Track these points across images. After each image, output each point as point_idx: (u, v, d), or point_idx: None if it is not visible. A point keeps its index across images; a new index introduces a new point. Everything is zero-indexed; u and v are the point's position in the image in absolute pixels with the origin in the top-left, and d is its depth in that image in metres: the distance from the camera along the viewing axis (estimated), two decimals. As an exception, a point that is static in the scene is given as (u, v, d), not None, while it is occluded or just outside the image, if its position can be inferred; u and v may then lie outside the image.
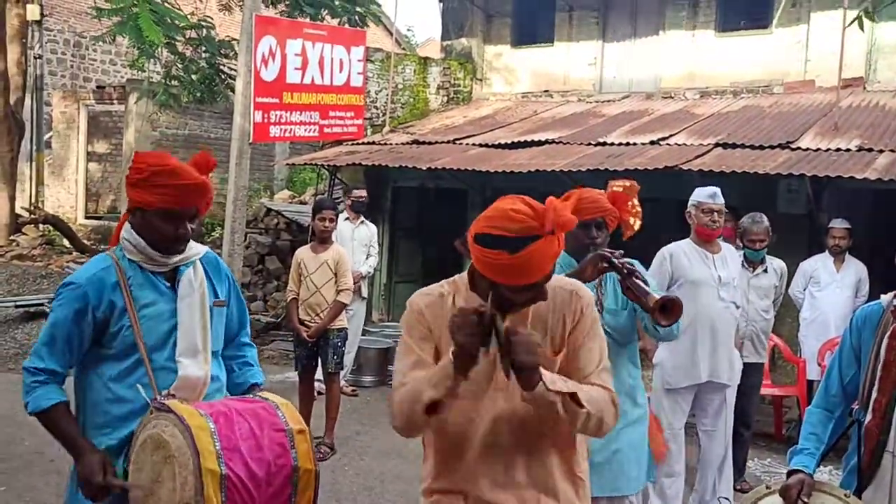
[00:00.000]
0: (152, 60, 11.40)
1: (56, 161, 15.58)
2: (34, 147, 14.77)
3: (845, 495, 2.33)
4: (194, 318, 2.54)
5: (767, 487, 2.46)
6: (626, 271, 2.84)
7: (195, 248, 2.63)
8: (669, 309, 2.70)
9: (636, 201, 3.28)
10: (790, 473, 2.40)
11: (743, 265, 5.48)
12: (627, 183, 3.33)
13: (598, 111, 10.57)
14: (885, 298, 2.49)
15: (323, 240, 5.96)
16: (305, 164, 11.21)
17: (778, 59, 10.13)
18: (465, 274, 2.09)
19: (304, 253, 6.05)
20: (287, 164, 13.00)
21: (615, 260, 2.87)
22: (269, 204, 12.51)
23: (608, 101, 11.05)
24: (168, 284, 2.55)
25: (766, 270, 5.61)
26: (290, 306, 6.07)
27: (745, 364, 5.20)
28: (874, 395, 2.34)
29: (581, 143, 8.96)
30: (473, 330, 1.80)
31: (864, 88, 9.55)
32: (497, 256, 1.80)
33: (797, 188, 7.90)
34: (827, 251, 6.89)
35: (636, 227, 3.28)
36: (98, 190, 16.44)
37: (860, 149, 7.43)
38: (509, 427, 2.00)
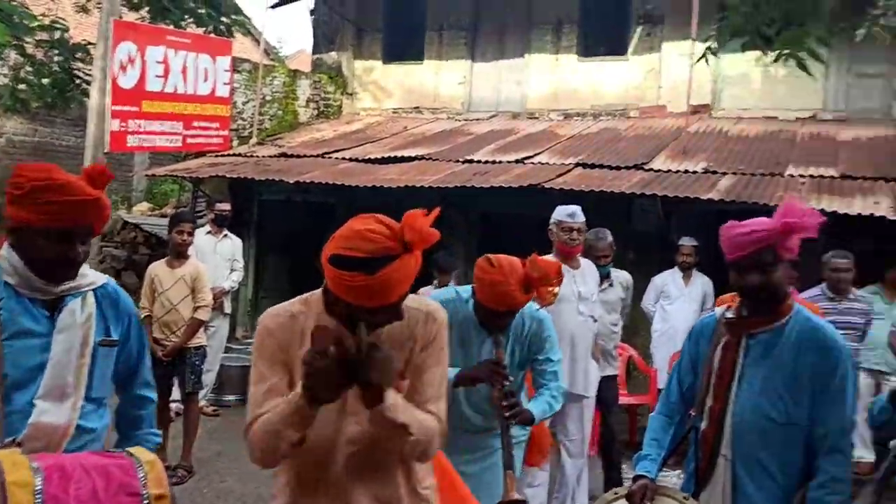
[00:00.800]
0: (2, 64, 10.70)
1: None
2: None
3: (684, 498, 2.46)
4: (70, 355, 2.21)
5: (615, 493, 2.56)
6: (501, 395, 2.98)
7: (91, 277, 2.29)
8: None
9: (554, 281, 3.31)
10: (635, 479, 2.52)
11: None
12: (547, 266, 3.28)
13: (466, 129, 10.77)
14: (718, 311, 2.66)
15: (179, 254, 5.74)
16: (166, 175, 10.80)
17: (634, 84, 10.68)
18: (318, 292, 2.04)
19: (158, 268, 5.81)
20: (147, 176, 12.47)
21: (501, 386, 2.99)
22: (126, 216, 11.97)
23: (476, 119, 11.29)
24: (48, 314, 2.20)
25: (611, 284, 5.71)
26: (142, 322, 5.78)
27: (600, 377, 5.40)
28: (709, 402, 2.49)
29: (450, 160, 9.10)
30: (330, 380, 1.74)
31: (711, 115, 10.21)
32: (353, 278, 1.77)
33: (650, 207, 8.33)
34: (676, 267, 7.29)
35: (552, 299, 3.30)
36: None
37: (706, 171, 7.92)
38: (361, 445, 1.99)
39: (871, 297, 6.26)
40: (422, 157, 9.23)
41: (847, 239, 6.54)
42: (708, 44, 5.16)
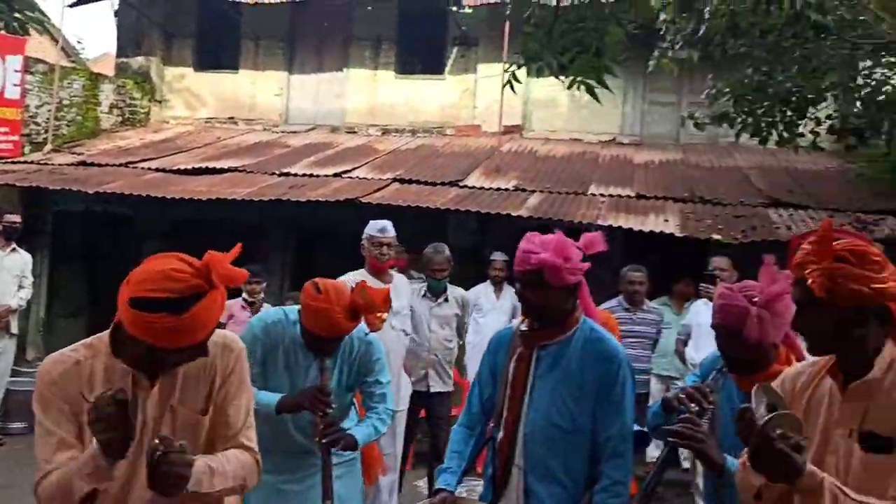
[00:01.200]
0: None
1: None
2: None
3: None
4: None
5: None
6: (323, 423, 2.93)
7: None
8: None
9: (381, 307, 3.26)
10: (436, 492, 2.55)
11: (426, 295, 5.69)
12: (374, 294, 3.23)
13: (283, 141, 10.57)
14: (514, 323, 2.75)
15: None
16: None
17: (450, 103, 10.96)
18: (104, 335, 1.93)
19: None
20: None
21: (323, 413, 2.93)
22: None
23: (294, 132, 11.11)
24: None
25: (447, 300, 5.75)
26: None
27: (432, 394, 5.43)
28: (505, 413, 2.54)
29: (265, 173, 8.88)
30: (113, 426, 1.70)
31: (522, 135, 10.67)
32: (160, 319, 1.72)
33: (465, 223, 8.54)
34: (489, 281, 7.52)
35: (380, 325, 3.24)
36: None
37: (517, 189, 8.26)
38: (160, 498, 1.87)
39: (661, 308, 6.74)
40: (235, 169, 8.95)
41: (641, 254, 7.05)
42: (512, 69, 5.39)
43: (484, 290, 7.53)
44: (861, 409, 1.78)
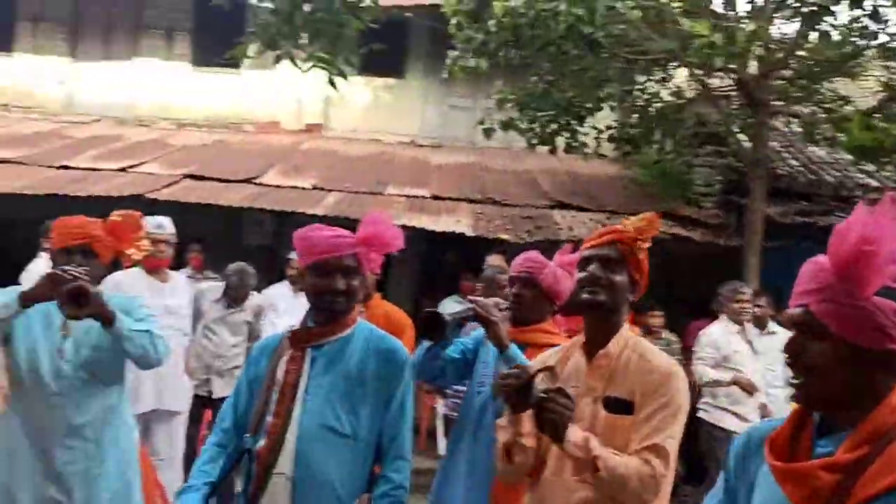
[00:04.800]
0: None
1: None
2: None
3: None
4: None
5: None
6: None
7: None
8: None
9: (143, 233, 3.11)
10: None
11: (220, 300, 5.51)
12: (127, 213, 3.13)
13: (64, 132, 9.86)
14: (284, 327, 2.65)
15: None
16: None
17: (248, 99, 10.71)
18: None
19: None
20: None
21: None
22: None
23: (78, 122, 10.39)
24: None
25: (242, 309, 5.62)
26: None
27: (215, 399, 5.23)
28: (268, 419, 2.39)
29: (41, 165, 8.24)
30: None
31: (323, 134, 10.64)
32: None
33: (261, 221, 8.40)
34: (286, 280, 7.43)
35: (137, 257, 3.09)
36: None
37: (314, 187, 8.23)
38: None
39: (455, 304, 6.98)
40: (9, 161, 8.23)
41: (438, 253, 7.29)
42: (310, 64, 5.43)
43: (280, 291, 7.38)
44: (604, 378, 2.16)
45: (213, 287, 5.68)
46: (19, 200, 7.13)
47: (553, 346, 2.53)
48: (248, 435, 2.41)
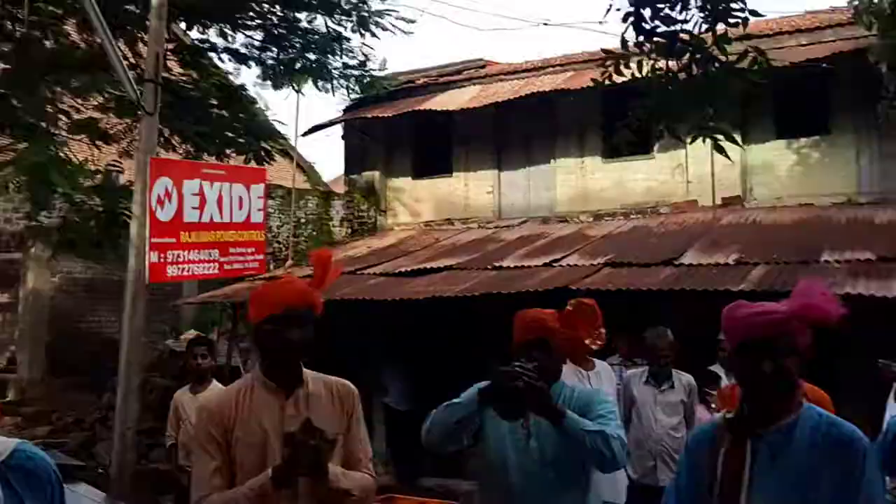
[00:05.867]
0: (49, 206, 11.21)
1: (-51, 313, 14.92)
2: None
3: None
4: None
5: None
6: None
7: None
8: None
9: (600, 321, 3.17)
10: None
11: (648, 381, 5.49)
12: (582, 302, 3.23)
13: (496, 236, 10.84)
14: (717, 416, 2.44)
15: (199, 379, 5.78)
16: (204, 302, 11.03)
17: (661, 181, 10.69)
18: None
19: (182, 395, 5.84)
20: (188, 304, 12.71)
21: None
22: (172, 345, 12.16)
23: (507, 226, 11.37)
24: None
25: (672, 386, 5.49)
26: (169, 452, 5.80)
27: (661, 488, 5.11)
28: None
29: (478, 268, 9.11)
30: (313, 464, 2.27)
31: (743, 206, 10.09)
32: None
33: (684, 303, 8.12)
34: (718, 363, 7.03)
35: (595, 347, 3.17)
36: (-4, 340, 15.72)
37: (737, 262, 7.75)
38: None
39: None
40: (450, 268, 9.27)
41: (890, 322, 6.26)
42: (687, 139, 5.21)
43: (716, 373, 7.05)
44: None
45: (640, 371, 5.60)
46: (470, 302, 7.92)
47: None
48: None
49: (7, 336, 15.81)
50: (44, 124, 8.85)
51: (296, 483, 2.33)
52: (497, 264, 9.06)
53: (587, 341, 3.10)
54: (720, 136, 4.62)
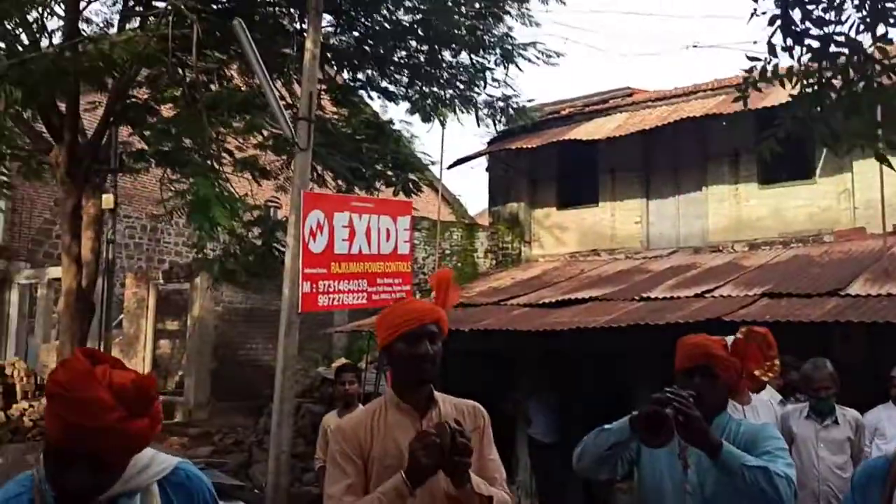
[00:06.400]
0: (215, 242, 12.01)
1: (126, 339, 16.18)
2: (102, 327, 15.45)
3: None
4: None
5: None
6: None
7: (154, 466, 1.91)
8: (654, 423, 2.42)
9: (774, 352, 3.02)
10: None
11: (809, 416, 5.18)
12: (755, 330, 3.05)
13: (644, 267, 10.52)
14: (891, 452, 2.23)
15: (347, 403, 5.92)
16: (353, 331, 11.35)
17: (824, 207, 10.04)
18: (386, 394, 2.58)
19: (330, 419, 6.02)
20: (338, 332, 13.13)
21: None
22: (324, 373, 12.59)
23: (655, 256, 11.02)
24: None
25: (836, 421, 5.17)
26: (318, 474, 5.96)
27: None
28: None
29: (624, 300, 8.86)
30: (437, 454, 2.23)
31: (920, 232, 9.29)
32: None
33: (852, 336, 7.54)
34: (890, 401, 6.46)
35: (766, 378, 3.01)
36: (167, 366, 16.89)
37: (913, 293, 7.12)
38: None
39: None
40: (595, 299, 9.07)
41: None
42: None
43: (886, 413, 6.46)
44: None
45: (800, 406, 5.23)
46: (616, 334, 7.70)
47: None
48: None
49: (176, 362, 16.97)
50: (210, 162, 9.48)
51: (433, 485, 2.32)
52: (645, 295, 8.77)
53: (757, 372, 2.89)
54: (883, 146, 4.21)
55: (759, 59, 4.31)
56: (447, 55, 10.25)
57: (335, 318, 15.56)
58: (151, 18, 8.25)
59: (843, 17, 4.15)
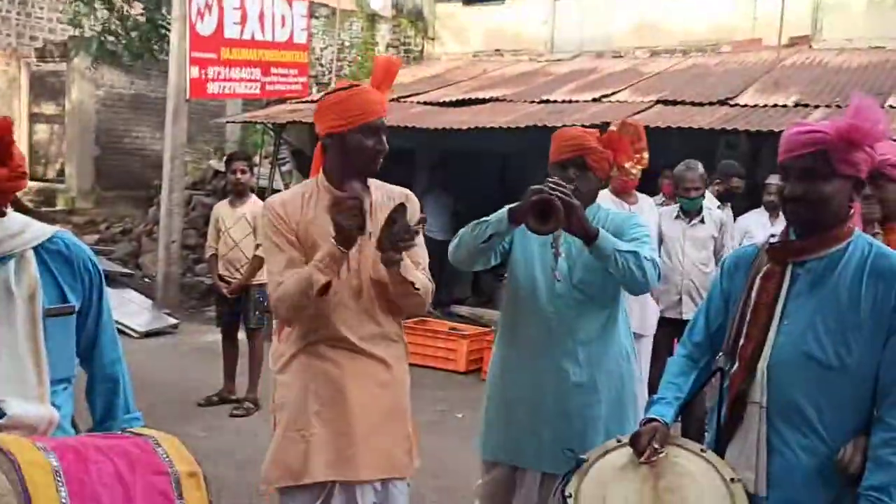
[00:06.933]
0: (93, 17, 11.04)
1: (-2, 122, 15.13)
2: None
3: (701, 450, 2.11)
4: (15, 338, 1.78)
5: (618, 440, 2.20)
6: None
7: (29, 232, 1.84)
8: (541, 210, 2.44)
9: (643, 144, 3.00)
10: (645, 422, 2.16)
11: (678, 215, 5.36)
12: (627, 123, 3.04)
13: (547, 70, 10.44)
14: (759, 240, 2.34)
15: (239, 193, 5.81)
16: (247, 122, 10.95)
17: (726, 17, 10.05)
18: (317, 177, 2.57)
19: (221, 208, 5.91)
20: (229, 122, 12.62)
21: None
22: (216, 165, 12.26)
23: (559, 60, 10.92)
24: None
25: (702, 220, 5.36)
26: (209, 263, 5.95)
27: (685, 321, 5.13)
28: (742, 340, 2.11)
29: (525, 101, 8.85)
30: (354, 214, 2.29)
31: (810, 46, 9.50)
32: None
33: (736, 145, 7.86)
34: (762, 207, 6.85)
35: (635, 171, 3.01)
36: (45, 153, 16.02)
37: (797, 105, 7.39)
38: (358, 295, 2.50)
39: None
40: (495, 99, 9.01)
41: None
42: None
43: (756, 218, 6.86)
44: None
45: (673, 207, 5.45)
46: (515, 135, 7.73)
47: None
48: (721, 354, 2.19)
49: (56, 148, 16.09)
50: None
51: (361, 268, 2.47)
52: (545, 98, 8.77)
53: (628, 164, 2.94)
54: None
55: None
56: None
57: (227, 109, 14.93)
58: None
59: None
